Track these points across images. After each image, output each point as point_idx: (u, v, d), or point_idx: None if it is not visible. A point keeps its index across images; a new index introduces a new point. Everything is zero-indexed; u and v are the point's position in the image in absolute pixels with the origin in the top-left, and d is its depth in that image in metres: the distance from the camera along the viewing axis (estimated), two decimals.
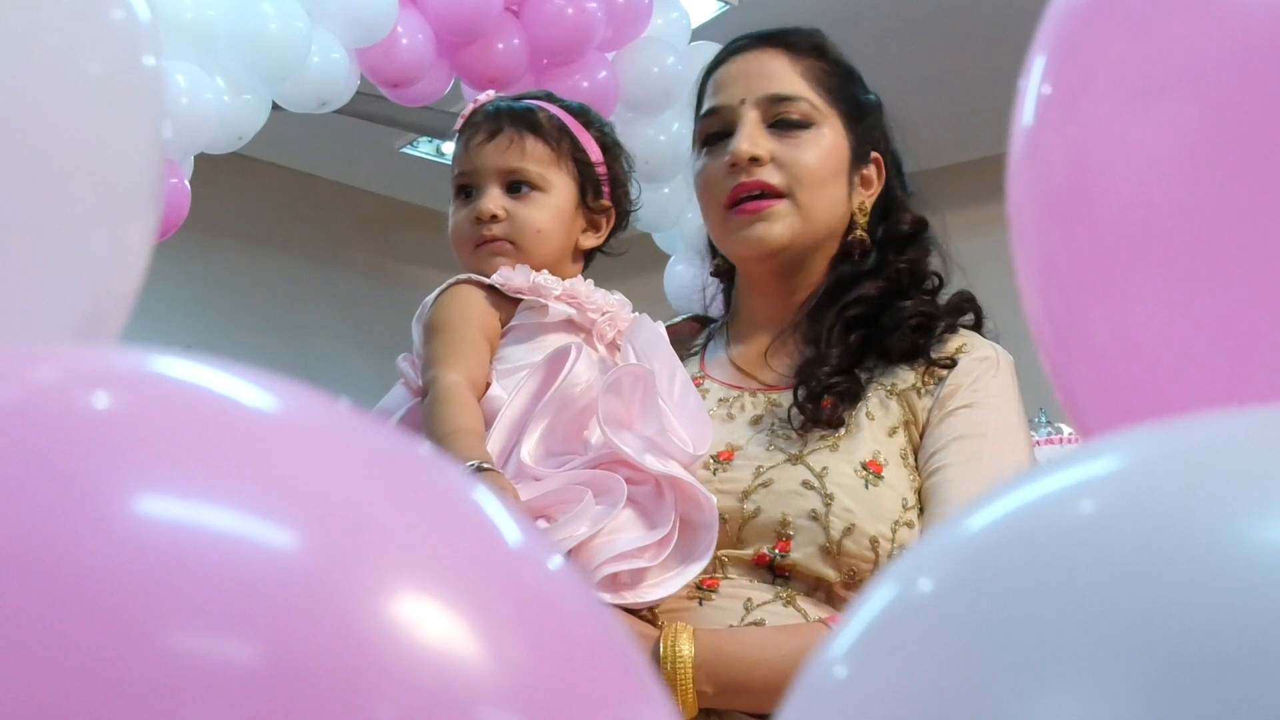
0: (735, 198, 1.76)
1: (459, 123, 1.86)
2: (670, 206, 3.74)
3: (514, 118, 1.82)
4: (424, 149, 6.78)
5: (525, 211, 1.79)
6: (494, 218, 1.78)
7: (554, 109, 1.85)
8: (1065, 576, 0.49)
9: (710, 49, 4.11)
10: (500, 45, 3.84)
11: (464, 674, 0.46)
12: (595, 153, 1.85)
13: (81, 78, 0.69)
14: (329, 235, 7.27)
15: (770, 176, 1.76)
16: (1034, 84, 0.72)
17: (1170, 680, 0.45)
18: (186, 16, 3.42)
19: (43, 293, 0.72)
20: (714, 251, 1.97)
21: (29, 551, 0.43)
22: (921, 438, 1.71)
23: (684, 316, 2.04)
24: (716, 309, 2.03)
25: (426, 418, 1.63)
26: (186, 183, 3.73)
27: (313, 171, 7.04)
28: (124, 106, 0.72)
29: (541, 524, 1.53)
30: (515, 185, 1.80)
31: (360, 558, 0.46)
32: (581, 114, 1.89)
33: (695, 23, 4.43)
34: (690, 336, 1.97)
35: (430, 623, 0.46)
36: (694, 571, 1.59)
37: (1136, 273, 0.70)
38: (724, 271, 1.98)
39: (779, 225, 1.76)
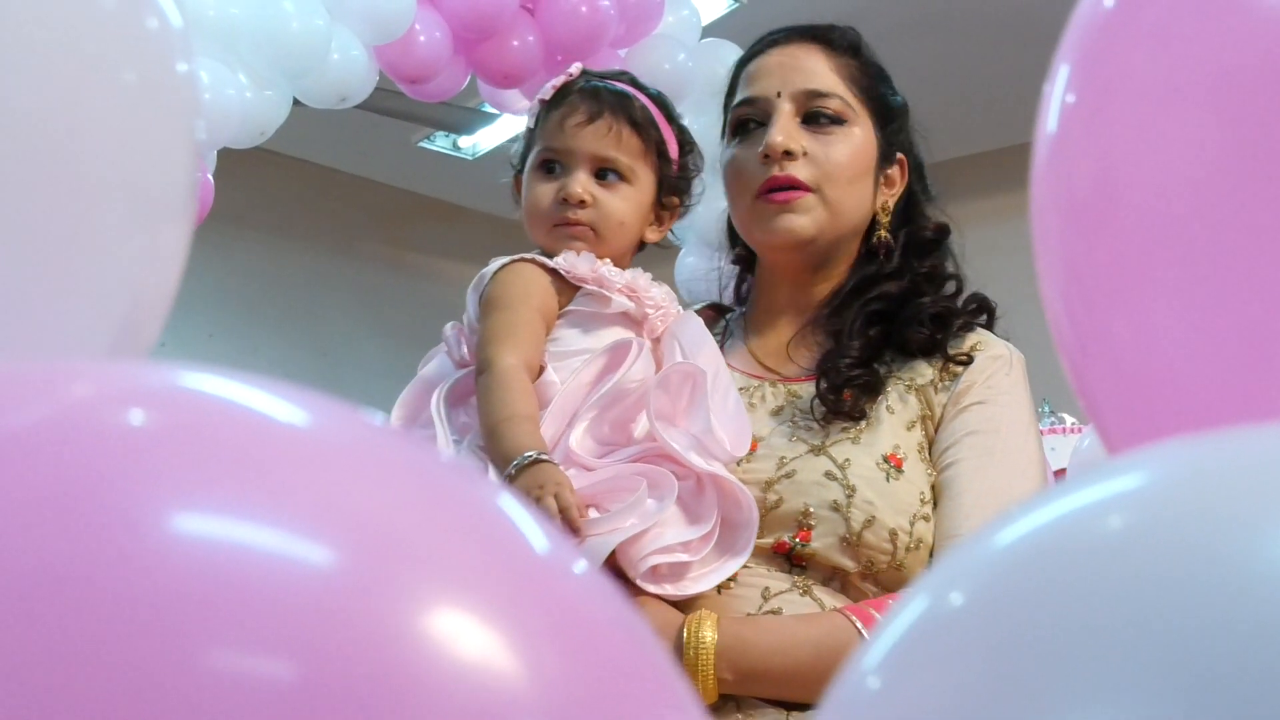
0: (766, 189, 1.74)
1: (548, 92, 1.79)
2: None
3: (614, 104, 1.77)
4: (440, 143, 6.77)
5: (612, 201, 1.75)
6: (581, 202, 1.74)
7: (645, 100, 1.81)
8: (1096, 591, 0.48)
9: (720, 46, 4.14)
10: (515, 42, 3.83)
11: (500, 689, 0.45)
12: (674, 149, 1.82)
13: (117, 85, 0.67)
14: (348, 227, 7.26)
15: (801, 171, 1.74)
16: (1058, 92, 0.71)
17: (1202, 696, 0.44)
18: (210, 15, 3.42)
19: (81, 298, 0.71)
20: (734, 240, 1.96)
21: (68, 569, 0.42)
22: (936, 432, 1.70)
23: (701, 304, 2.01)
24: (728, 297, 2.02)
25: (483, 399, 1.61)
26: (210, 176, 3.73)
27: (332, 165, 7.03)
28: (158, 113, 0.71)
29: (592, 513, 1.52)
30: (604, 172, 1.76)
31: (396, 574, 0.45)
32: (664, 106, 1.84)
33: (705, 20, 4.43)
34: (708, 324, 1.96)
35: (466, 639, 0.45)
36: (732, 568, 1.59)
37: (1158, 278, 0.69)
38: (744, 260, 1.96)
39: (806, 218, 1.75)
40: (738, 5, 5.21)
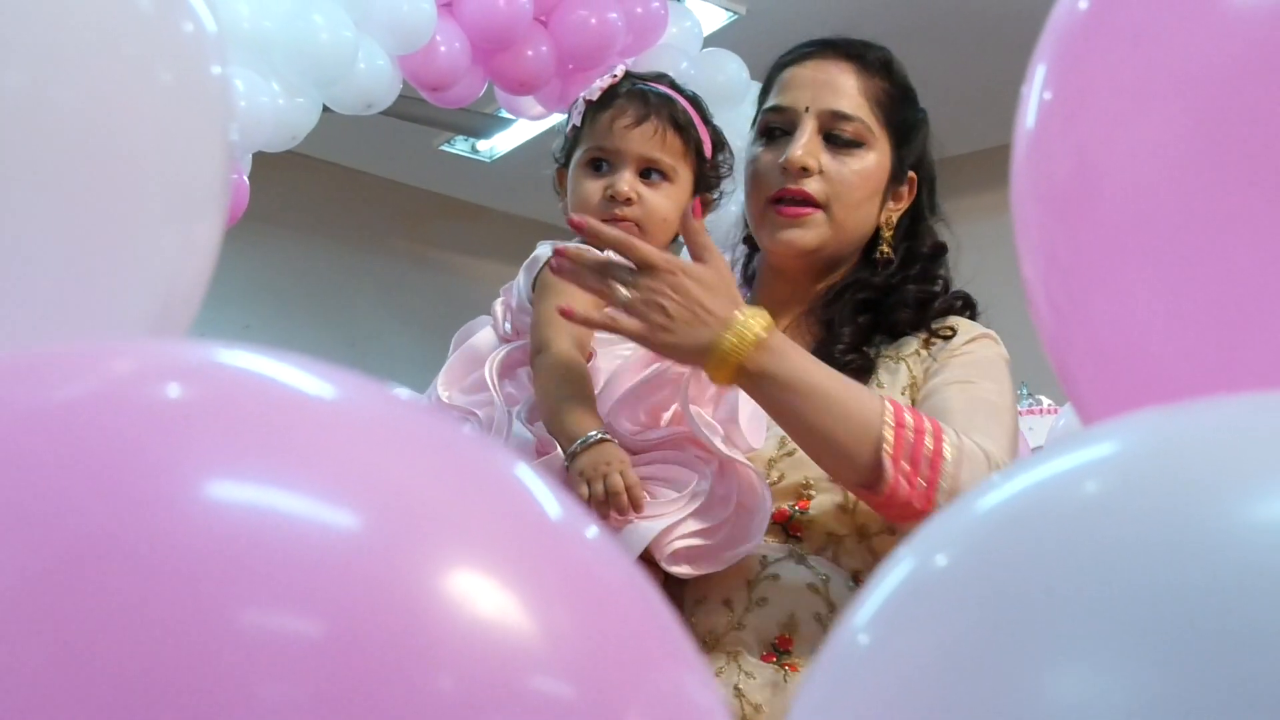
0: (779, 197, 1.74)
1: (595, 93, 1.77)
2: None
3: (659, 107, 1.75)
4: (460, 147, 6.76)
5: (656, 199, 1.73)
6: (628, 200, 1.72)
7: (685, 102, 1.79)
8: (1074, 553, 0.48)
9: (720, 54, 4.14)
10: (530, 52, 3.83)
11: (516, 645, 0.44)
12: (709, 148, 1.80)
13: (155, 86, 0.67)
14: (374, 225, 7.26)
15: (814, 186, 1.73)
16: (1036, 90, 0.71)
17: (1175, 650, 0.44)
18: (244, 27, 3.42)
19: (121, 286, 0.70)
20: (746, 225, 1.95)
21: (111, 534, 0.42)
22: (920, 390, 1.70)
23: None
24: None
25: (544, 380, 1.60)
26: (246, 178, 3.74)
27: (359, 167, 7.02)
28: (194, 112, 0.71)
29: (658, 488, 1.54)
30: (649, 172, 1.74)
31: (418, 537, 0.45)
32: (700, 108, 1.82)
33: (706, 31, 4.42)
34: None
35: (484, 598, 0.45)
36: (744, 552, 1.59)
37: (1132, 263, 0.69)
38: (752, 243, 1.96)
39: (812, 233, 1.74)
40: (736, 17, 5.20)
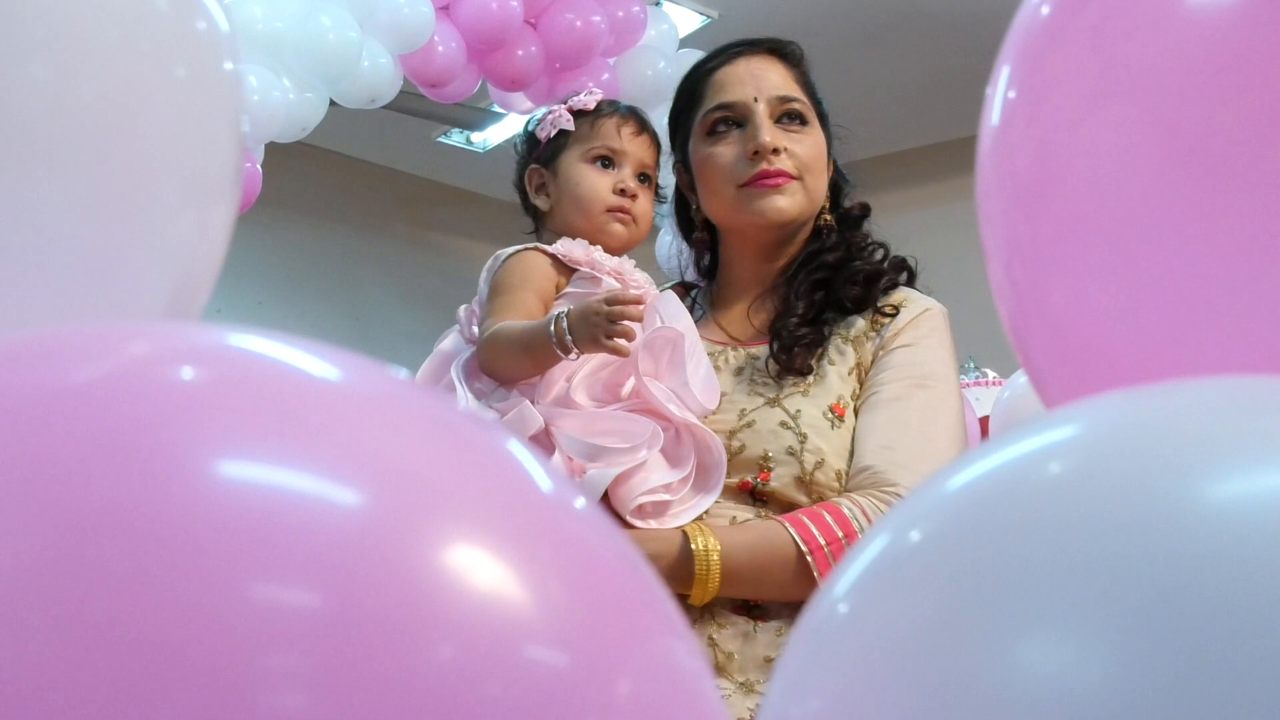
0: (757, 179, 1.75)
1: (592, 103, 1.85)
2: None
3: (648, 123, 1.86)
4: (456, 139, 6.74)
5: (647, 198, 1.83)
6: (635, 196, 1.80)
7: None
8: (1040, 529, 0.46)
9: (695, 55, 4.11)
10: (520, 52, 3.82)
11: (512, 616, 0.43)
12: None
13: (170, 80, 0.65)
14: (377, 211, 7.22)
15: (785, 164, 1.75)
16: (1001, 89, 0.69)
17: (1139, 620, 0.43)
18: (258, 28, 3.40)
19: (140, 269, 0.68)
20: (689, 226, 1.94)
21: (125, 510, 0.40)
22: (867, 374, 1.70)
23: (670, 284, 2.00)
24: (690, 276, 2.01)
25: (495, 345, 1.62)
26: (259, 167, 3.72)
27: (363, 157, 6.99)
28: (207, 105, 0.69)
29: (612, 441, 1.55)
30: (643, 176, 1.83)
31: (418, 513, 0.43)
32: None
33: (682, 33, 4.41)
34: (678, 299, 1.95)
35: (481, 571, 0.43)
36: (707, 503, 1.60)
37: (1091, 253, 0.67)
38: (703, 242, 1.95)
39: (790, 200, 1.75)
40: (709, 20, 5.18)
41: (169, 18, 0.64)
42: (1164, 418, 0.50)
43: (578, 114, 1.84)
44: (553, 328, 1.55)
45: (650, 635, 0.46)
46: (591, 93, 1.88)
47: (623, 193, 1.79)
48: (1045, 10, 0.67)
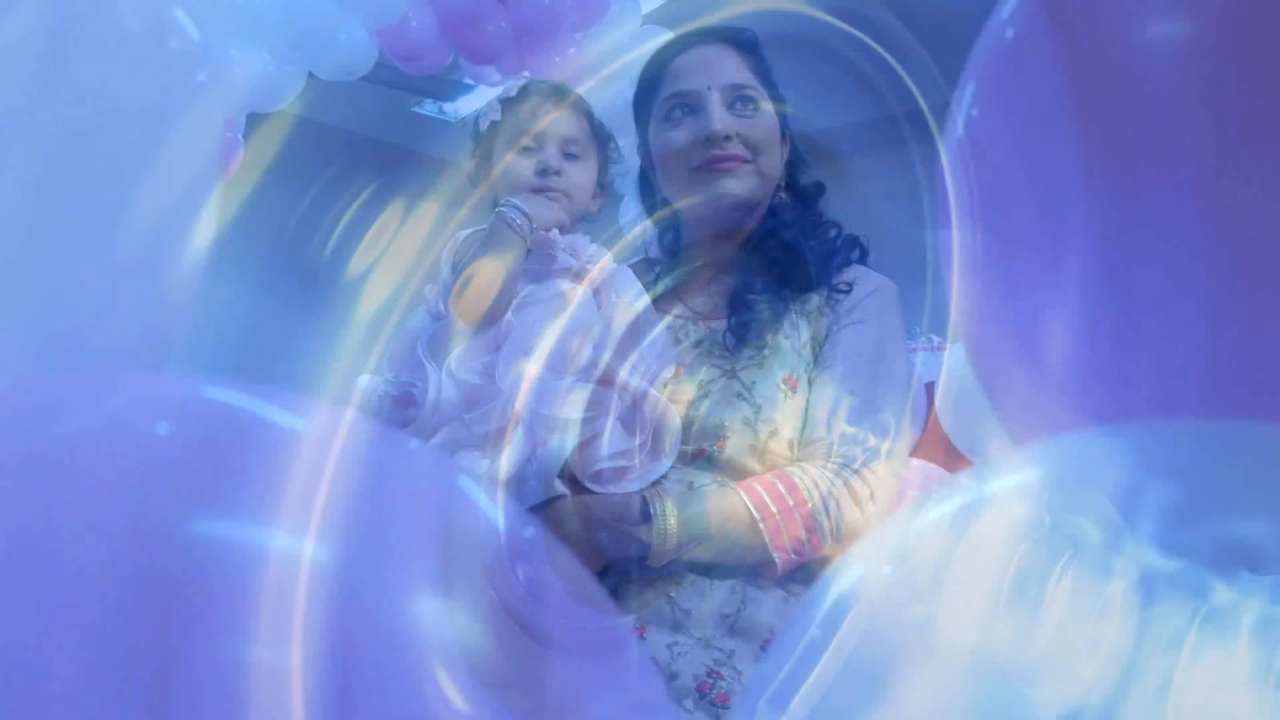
0: (709, 163, 1.75)
1: (515, 90, 1.83)
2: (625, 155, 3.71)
3: (567, 97, 1.82)
4: (429, 109, 6.72)
5: (579, 169, 1.80)
6: (558, 172, 1.77)
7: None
8: None
9: (656, 31, 4.08)
10: (490, 27, 3.79)
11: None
12: (604, 136, 1.86)
13: (146, 99, 0.62)
14: (355, 177, 7.18)
15: (737, 149, 1.75)
16: (965, 106, 0.67)
17: None
18: (240, 2, 3.34)
19: (130, 257, 0.66)
20: (653, 205, 1.93)
21: (102, 558, 0.38)
22: (820, 348, 1.69)
23: (635, 260, 1.99)
24: (654, 252, 2.00)
25: (466, 277, 1.64)
26: (240, 135, 3.68)
27: (341, 126, 6.94)
28: (182, 118, 0.65)
29: (571, 411, 1.55)
30: (569, 153, 1.79)
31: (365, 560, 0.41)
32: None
33: (644, 10, 4.37)
34: (640, 274, 1.94)
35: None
36: (663, 468, 1.61)
37: (1043, 265, 0.65)
38: (666, 220, 1.93)
39: (743, 182, 1.75)
40: None
41: (140, 39, 0.61)
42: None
43: (505, 103, 1.83)
44: (504, 213, 1.59)
45: None
46: (521, 78, 1.88)
47: (544, 172, 1.76)
48: (1009, 34, 0.65)
